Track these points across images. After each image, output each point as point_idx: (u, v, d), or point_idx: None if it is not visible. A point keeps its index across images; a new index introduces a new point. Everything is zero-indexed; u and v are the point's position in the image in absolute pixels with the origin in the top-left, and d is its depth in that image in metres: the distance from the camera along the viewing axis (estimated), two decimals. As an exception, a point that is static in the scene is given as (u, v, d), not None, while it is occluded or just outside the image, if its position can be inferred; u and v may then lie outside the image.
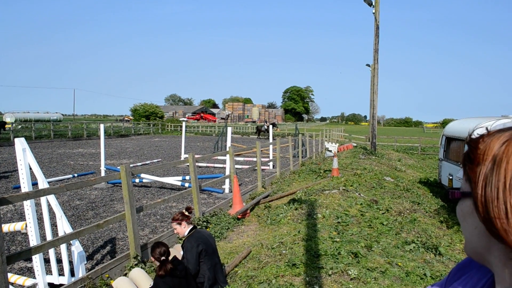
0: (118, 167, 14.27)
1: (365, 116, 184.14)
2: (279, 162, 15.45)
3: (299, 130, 36.19)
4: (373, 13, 22.55)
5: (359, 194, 10.33)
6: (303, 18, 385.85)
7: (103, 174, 13.53)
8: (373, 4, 22.52)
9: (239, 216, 8.74)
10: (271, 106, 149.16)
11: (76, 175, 15.13)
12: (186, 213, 5.01)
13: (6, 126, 32.41)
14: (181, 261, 4.53)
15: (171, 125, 57.95)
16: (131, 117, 75.57)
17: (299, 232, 7.15)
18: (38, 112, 69.88)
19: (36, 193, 4.57)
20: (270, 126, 21.76)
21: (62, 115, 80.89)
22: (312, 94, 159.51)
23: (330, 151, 23.54)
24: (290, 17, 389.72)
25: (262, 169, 14.43)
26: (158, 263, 4.19)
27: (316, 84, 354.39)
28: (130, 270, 5.61)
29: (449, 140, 12.69)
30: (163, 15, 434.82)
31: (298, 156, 20.18)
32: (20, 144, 5.39)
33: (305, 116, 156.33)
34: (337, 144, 27.05)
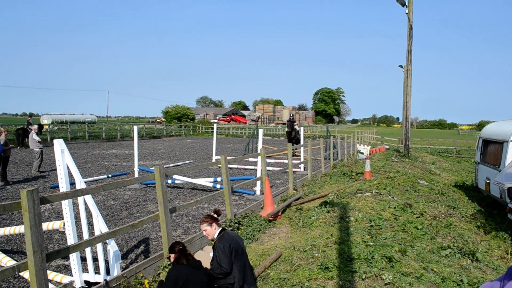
0: (151, 168, 14.53)
1: (398, 118, 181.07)
2: (311, 164, 15.36)
3: (330, 132, 35.91)
4: (406, 13, 22.15)
5: (393, 197, 10.16)
6: (334, 19, 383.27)
7: (136, 175, 13.77)
8: (406, 4, 22.12)
9: (271, 218, 8.73)
10: (302, 107, 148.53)
11: (110, 175, 15.45)
12: (215, 216, 5.06)
13: (44, 127, 33.45)
14: (198, 260, 4.70)
15: (202, 127, 58.55)
16: (163, 119, 76.78)
17: (331, 235, 7.08)
18: (73, 114, 71.80)
19: (74, 193, 4.69)
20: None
21: (97, 116, 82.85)
22: (343, 96, 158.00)
23: (362, 153, 23.25)
24: (321, 18, 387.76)
25: (293, 171, 14.37)
26: (177, 255, 4.51)
27: (347, 86, 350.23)
28: (163, 270, 5.69)
29: (486, 142, 12.32)
30: (195, 17, 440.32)
31: (329, 159, 20.01)
32: (59, 145, 5.55)
33: (336, 118, 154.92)
34: (369, 147, 26.69)
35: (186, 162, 20.93)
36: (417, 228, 7.71)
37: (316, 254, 6.15)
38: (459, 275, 5.50)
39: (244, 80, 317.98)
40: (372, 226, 7.67)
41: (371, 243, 6.59)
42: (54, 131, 37.07)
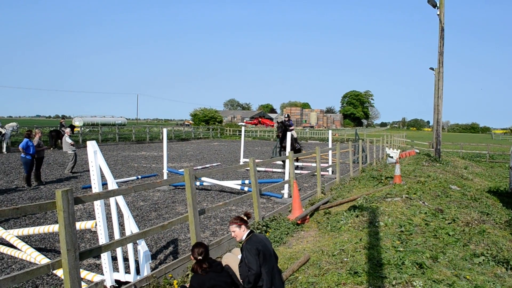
0: (180, 170, 14.67)
1: (428, 122, 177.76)
2: (339, 168, 15.22)
3: (359, 135, 35.47)
4: (438, 14, 21.77)
5: (423, 202, 9.96)
6: (362, 21, 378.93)
7: (165, 176, 13.93)
8: (438, 5, 21.72)
9: (299, 222, 8.70)
10: (330, 111, 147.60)
11: (140, 177, 15.69)
12: (245, 218, 5.08)
13: (75, 129, 34.24)
14: (219, 262, 4.79)
15: (229, 130, 58.85)
16: (191, 122, 77.51)
17: (360, 240, 6.99)
18: (104, 116, 73.46)
19: (106, 194, 4.78)
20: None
21: (126, 119, 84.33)
22: (372, 99, 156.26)
23: (392, 157, 22.93)
24: (349, 21, 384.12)
25: (321, 175, 14.28)
26: (195, 261, 4.59)
27: (376, 88, 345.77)
28: (192, 271, 5.73)
29: (522, 147, 11.95)
30: (222, 20, 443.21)
31: (358, 162, 19.79)
32: (92, 146, 5.67)
33: (365, 121, 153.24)
34: (399, 150, 26.28)
35: (214, 164, 21.06)
36: (449, 235, 7.54)
37: (345, 259, 6.08)
38: (493, 283, 5.34)
39: (271, 83, 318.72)
40: (402, 231, 7.54)
41: (401, 249, 6.48)
42: (86, 133, 37.90)
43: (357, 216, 8.58)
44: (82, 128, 41.63)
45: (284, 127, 17.91)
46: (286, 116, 18.88)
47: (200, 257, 4.55)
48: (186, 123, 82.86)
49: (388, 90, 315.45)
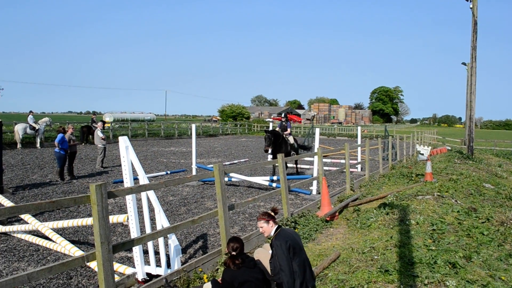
0: (209, 166, 14.78)
1: (460, 118, 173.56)
2: (368, 165, 15.03)
3: (389, 132, 34.93)
4: (471, 8, 21.15)
5: (456, 201, 9.74)
6: (391, 16, 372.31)
7: (194, 172, 14.05)
8: (471, -2, 21.11)
9: (328, 218, 8.64)
10: (358, 107, 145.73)
11: (169, 172, 15.89)
12: (272, 214, 5.08)
13: (106, 124, 34.89)
14: (252, 258, 4.79)
15: (257, 126, 58.90)
16: (218, 118, 77.96)
17: (391, 237, 6.90)
18: (133, 113, 74.70)
19: (138, 188, 4.86)
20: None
21: (155, 115, 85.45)
22: (401, 95, 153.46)
23: (422, 154, 22.47)
24: (377, 16, 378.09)
25: (350, 172, 14.12)
26: (228, 256, 4.60)
27: (406, 84, 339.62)
28: (221, 266, 5.77)
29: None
30: (251, 16, 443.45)
31: (387, 159, 19.51)
32: (124, 142, 5.76)
33: (394, 118, 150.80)
34: (430, 147, 25.72)
35: (242, 160, 21.13)
36: (483, 234, 7.34)
37: (375, 257, 6.01)
38: (530, 285, 5.18)
39: (299, 79, 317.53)
40: (434, 230, 7.38)
41: (433, 248, 6.35)
42: (116, 129, 38.57)
43: (387, 214, 8.47)
44: (113, 124, 42.38)
45: (274, 137, 13.85)
46: (283, 115, 15.76)
47: (234, 252, 4.55)
48: (214, 119, 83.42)
49: (418, 86, 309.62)
